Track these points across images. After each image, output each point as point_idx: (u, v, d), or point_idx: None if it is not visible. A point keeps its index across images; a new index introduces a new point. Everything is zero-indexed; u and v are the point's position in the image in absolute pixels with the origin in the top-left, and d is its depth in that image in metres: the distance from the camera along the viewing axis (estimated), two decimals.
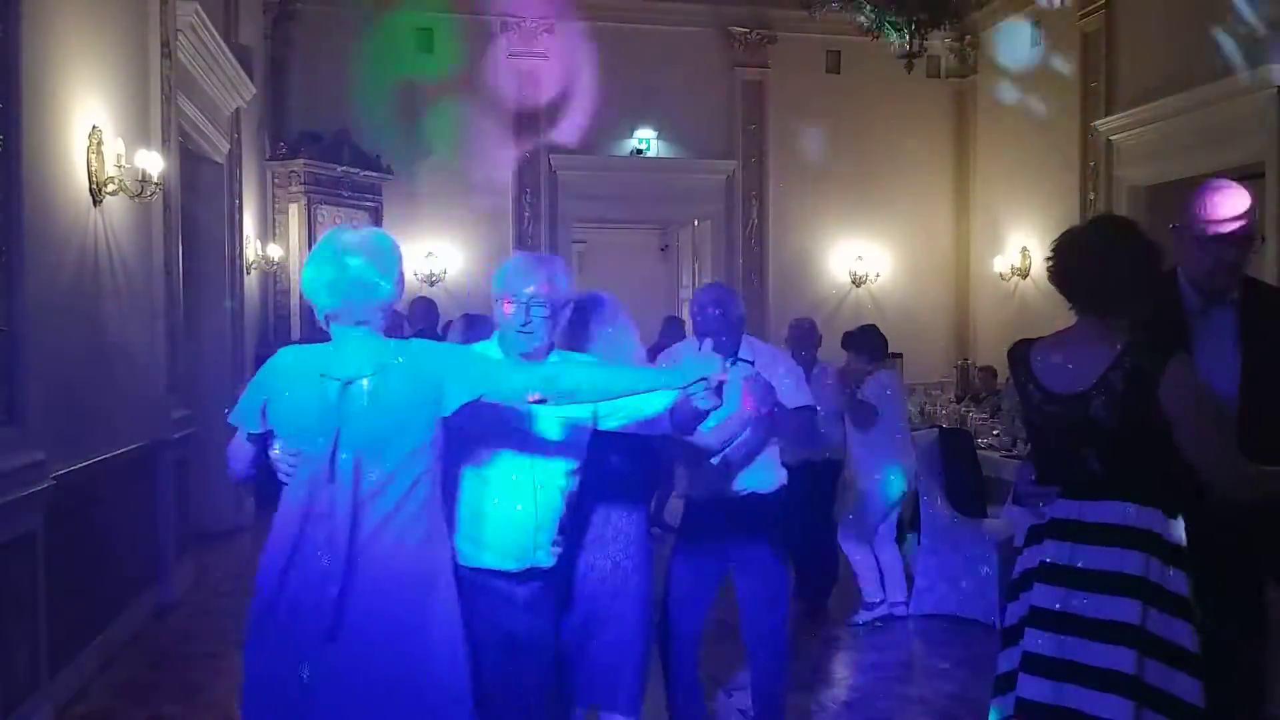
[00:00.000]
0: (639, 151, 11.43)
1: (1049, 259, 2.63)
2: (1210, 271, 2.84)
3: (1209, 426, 2.45)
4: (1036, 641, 2.50)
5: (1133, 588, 2.42)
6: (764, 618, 3.65)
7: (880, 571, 5.71)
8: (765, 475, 3.61)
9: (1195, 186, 2.91)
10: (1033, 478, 2.68)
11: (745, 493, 3.59)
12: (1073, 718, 2.42)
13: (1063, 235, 2.64)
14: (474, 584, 2.57)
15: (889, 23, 8.27)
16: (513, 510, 2.63)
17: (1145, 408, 2.42)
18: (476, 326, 4.60)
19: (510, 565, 2.64)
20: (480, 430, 2.56)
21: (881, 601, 5.68)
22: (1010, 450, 6.57)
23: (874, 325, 6.11)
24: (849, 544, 5.75)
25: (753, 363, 3.54)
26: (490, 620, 2.60)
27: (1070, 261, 2.59)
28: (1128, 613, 2.41)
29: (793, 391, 3.57)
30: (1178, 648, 2.40)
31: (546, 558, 2.68)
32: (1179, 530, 2.49)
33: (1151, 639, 2.40)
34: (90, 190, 4.78)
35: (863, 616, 5.65)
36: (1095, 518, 2.50)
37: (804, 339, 5.96)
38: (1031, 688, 2.49)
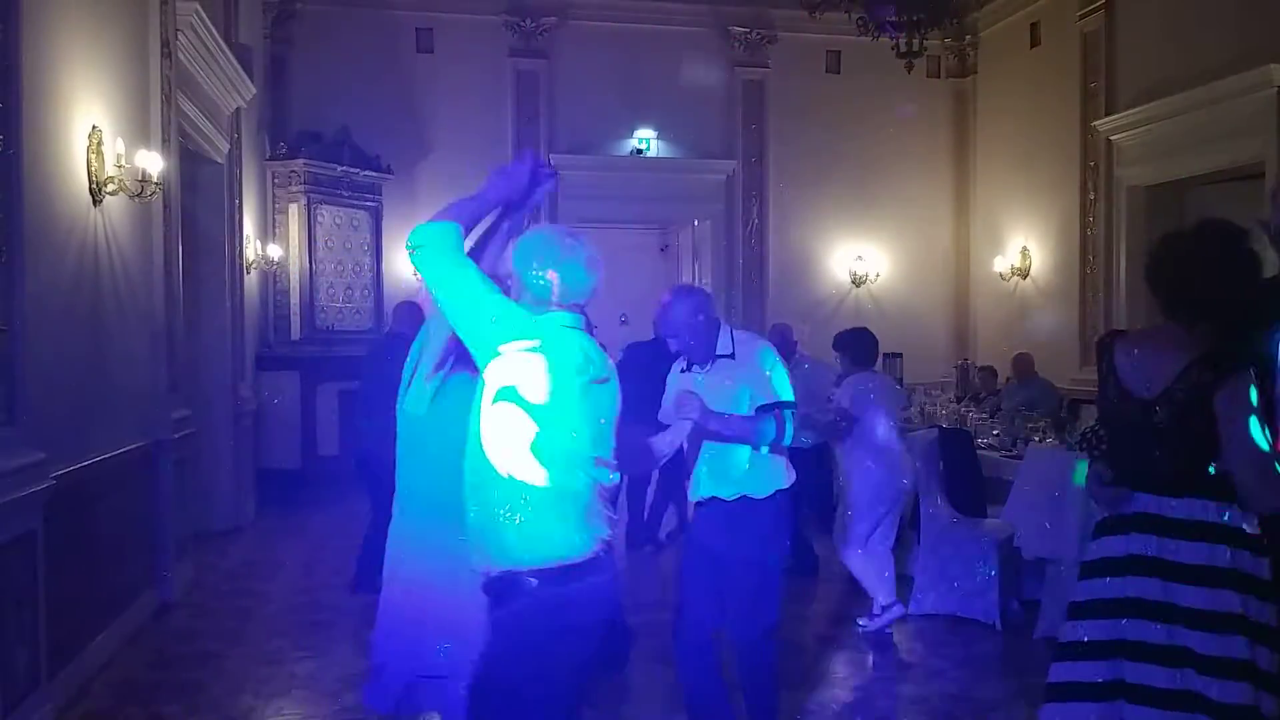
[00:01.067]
0: (639, 151, 11.42)
1: (1146, 260, 2.67)
2: None
3: (1253, 445, 2.47)
4: (1143, 630, 2.54)
5: (1228, 579, 2.50)
6: (746, 624, 3.60)
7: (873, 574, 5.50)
8: (750, 479, 3.56)
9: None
10: (1104, 479, 2.69)
11: (736, 497, 3.58)
12: (1193, 701, 2.47)
13: (1159, 238, 2.69)
14: None
15: (888, 22, 8.28)
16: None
17: (1205, 420, 2.48)
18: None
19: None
20: None
21: (889, 606, 5.39)
22: (1010, 450, 6.55)
23: (865, 328, 5.90)
24: (843, 551, 5.57)
25: (732, 355, 3.52)
26: None
27: (1158, 265, 2.64)
28: (1229, 603, 2.48)
29: (757, 389, 3.48)
30: (1272, 630, 2.50)
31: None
32: (1254, 521, 2.56)
33: (1254, 625, 2.49)
34: (90, 190, 4.78)
35: (865, 624, 5.42)
36: (1176, 513, 2.56)
37: (778, 343, 6.08)
38: (1141, 673, 2.53)
